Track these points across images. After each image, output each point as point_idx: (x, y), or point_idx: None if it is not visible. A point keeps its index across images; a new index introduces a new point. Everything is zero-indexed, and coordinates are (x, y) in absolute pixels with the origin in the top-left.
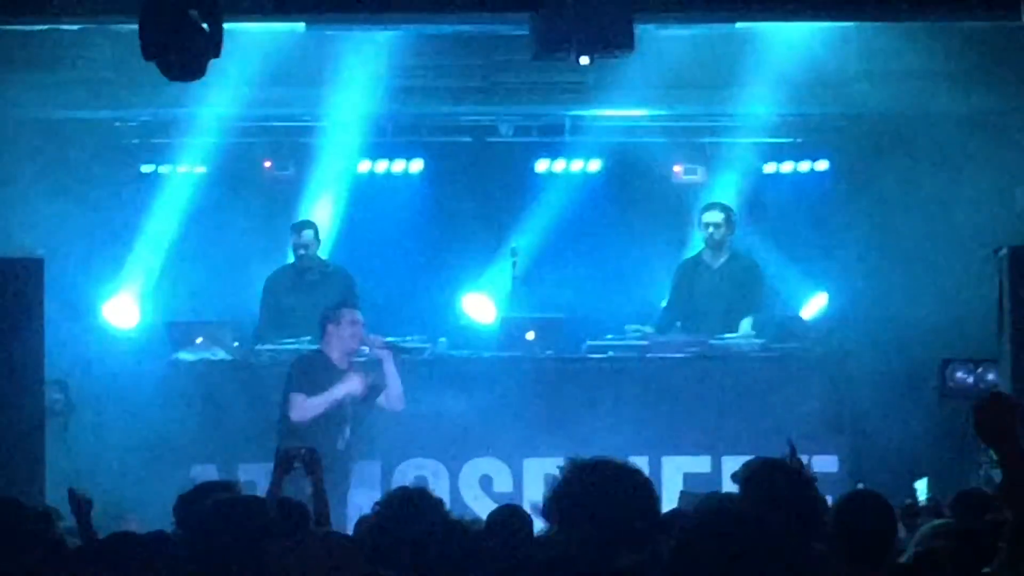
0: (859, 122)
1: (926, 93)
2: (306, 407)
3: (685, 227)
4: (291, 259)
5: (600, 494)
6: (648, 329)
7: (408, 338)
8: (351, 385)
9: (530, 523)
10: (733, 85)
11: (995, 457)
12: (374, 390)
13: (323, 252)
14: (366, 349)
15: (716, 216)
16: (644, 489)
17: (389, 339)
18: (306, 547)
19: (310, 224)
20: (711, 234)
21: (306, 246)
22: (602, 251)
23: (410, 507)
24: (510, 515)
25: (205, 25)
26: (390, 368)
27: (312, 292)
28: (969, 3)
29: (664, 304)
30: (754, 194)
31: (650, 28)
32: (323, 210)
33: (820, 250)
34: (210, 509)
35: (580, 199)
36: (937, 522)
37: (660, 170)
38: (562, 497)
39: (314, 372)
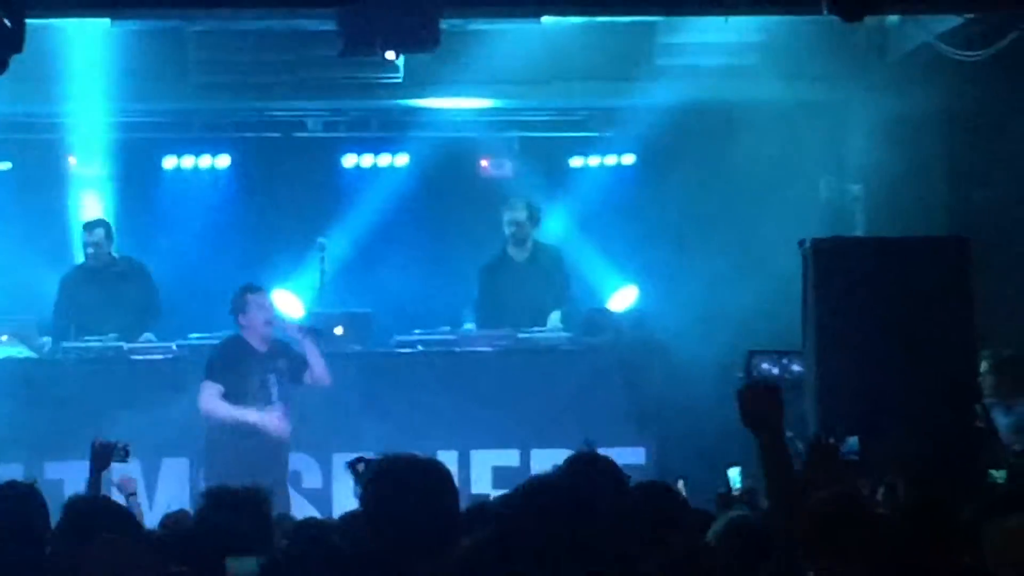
0: (664, 115)
1: (733, 85)
2: (216, 406)
3: (493, 221)
4: (86, 259)
5: (400, 492)
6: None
7: (214, 334)
8: (268, 422)
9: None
10: (540, 79)
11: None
12: (297, 370)
13: (127, 250)
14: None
15: (518, 213)
16: (445, 486)
17: (300, 322)
18: (95, 548)
19: (101, 223)
20: (514, 232)
21: (96, 244)
22: (411, 246)
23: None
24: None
25: (7, 20)
26: (310, 347)
27: (107, 289)
28: None
29: (473, 303)
30: (562, 188)
31: (457, 23)
32: (129, 206)
33: (629, 243)
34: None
35: (388, 194)
36: (733, 514)
37: (468, 164)
38: (365, 495)
39: (233, 357)
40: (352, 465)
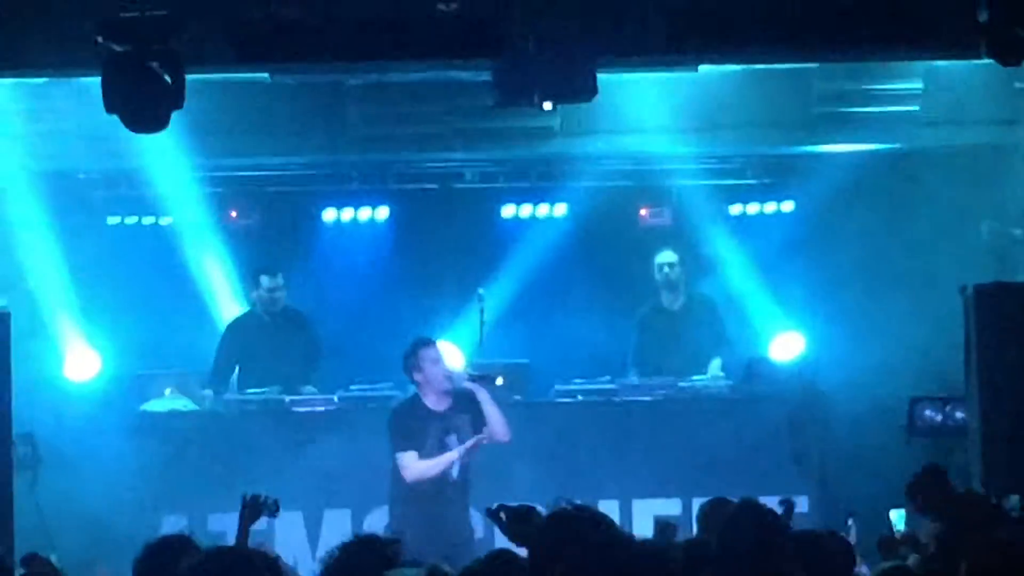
0: (824, 162)
1: (893, 130)
2: (419, 469)
3: (652, 270)
4: (253, 307)
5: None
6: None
7: (376, 386)
8: (457, 455)
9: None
10: (698, 127)
11: None
12: (477, 427)
13: (289, 300)
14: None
15: (669, 256)
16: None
17: (471, 371)
18: None
19: (278, 270)
20: (666, 275)
21: (275, 289)
22: (570, 295)
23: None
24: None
25: (167, 77)
26: (485, 399)
27: (275, 338)
28: (931, 43)
29: (632, 352)
30: (721, 236)
31: (613, 73)
32: (288, 258)
33: (788, 291)
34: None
35: (547, 244)
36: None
37: (626, 213)
38: (534, 546)
39: (413, 423)
40: (494, 513)
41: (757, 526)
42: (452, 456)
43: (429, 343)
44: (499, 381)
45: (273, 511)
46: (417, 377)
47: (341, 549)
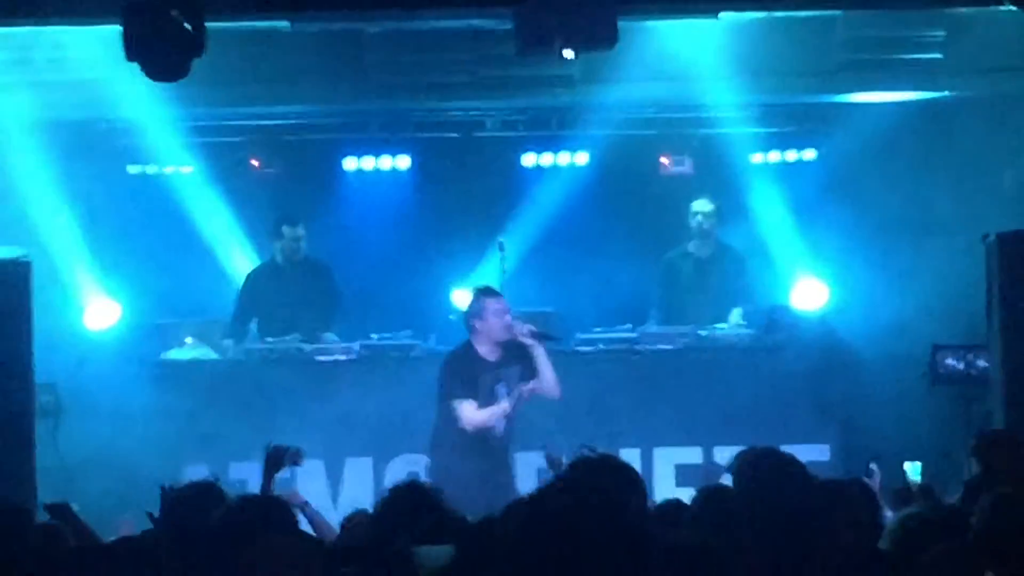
0: (846, 110)
1: (916, 79)
2: (479, 418)
3: (672, 218)
4: (274, 256)
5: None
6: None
7: (397, 334)
8: (510, 405)
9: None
10: (720, 75)
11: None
12: (527, 379)
13: (310, 250)
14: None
15: (705, 205)
16: (636, 487)
17: (531, 326)
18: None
19: (299, 219)
20: (700, 223)
21: (297, 239)
22: (591, 244)
23: (409, 502)
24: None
25: (188, 25)
26: (540, 356)
27: (294, 287)
28: None
29: (655, 297)
30: (743, 184)
31: (634, 20)
32: (309, 208)
33: (810, 240)
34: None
35: (568, 192)
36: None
37: (647, 161)
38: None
39: (468, 372)
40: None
41: (781, 476)
42: (506, 407)
43: (495, 293)
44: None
45: (297, 460)
46: (478, 325)
47: (392, 491)
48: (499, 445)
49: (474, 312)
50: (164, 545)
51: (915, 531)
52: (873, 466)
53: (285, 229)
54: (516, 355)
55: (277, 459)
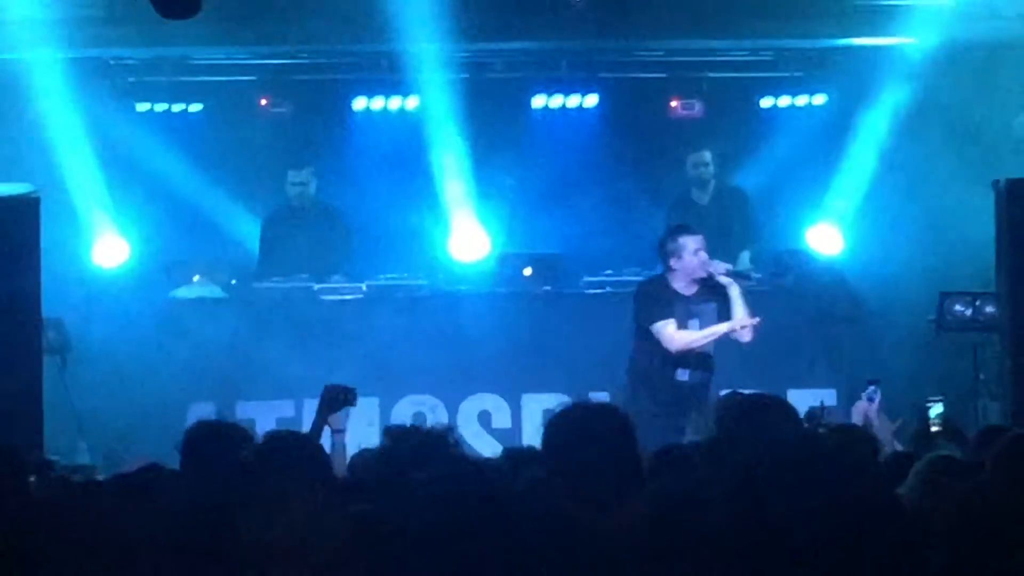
0: (858, 55)
1: (927, 24)
2: (684, 338)
3: (682, 162)
4: (287, 197)
5: (586, 440)
6: None
7: (404, 275)
8: (738, 324)
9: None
10: (729, 18)
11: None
12: (723, 317)
13: (317, 190)
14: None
15: (703, 157)
16: (628, 435)
17: (728, 265)
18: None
19: (308, 163)
20: (699, 173)
21: (303, 184)
22: (600, 187)
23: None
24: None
25: None
26: (736, 295)
27: (305, 231)
28: None
29: None
30: (752, 129)
31: None
32: (318, 148)
33: (820, 185)
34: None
35: (577, 134)
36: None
37: (657, 105)
38: (549, 443)
39: (664, 299)
40: None
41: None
42: (719, 329)
43: (692, 231)
44: (528, 272)
45: (351, 400)
46: (674, 264)
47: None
48: (685, 390)
49: (670, 251)
50: (186, 480)
51: (944, 472)
52: (872, 388)
53: (289, 174)
54: (712, 293)
55: (333, 398)
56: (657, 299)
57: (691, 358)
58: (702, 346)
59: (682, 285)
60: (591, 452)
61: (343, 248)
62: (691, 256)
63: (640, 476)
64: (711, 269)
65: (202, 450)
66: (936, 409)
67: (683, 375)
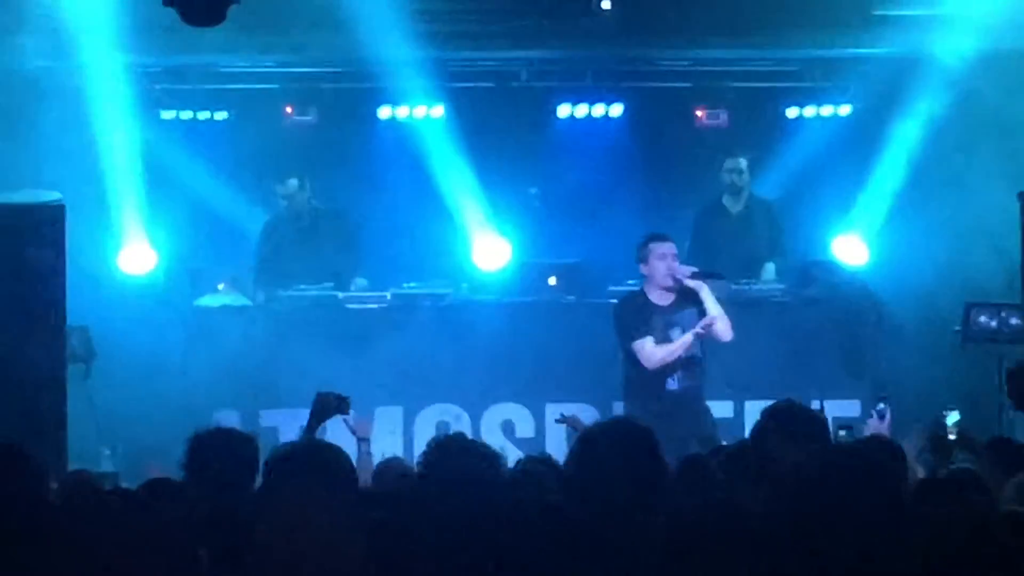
0: (883, 65)
1: (951, 35)
2: (659, 355)
3: (706, 171)
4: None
5: (614, 458)
6: None
7: (428, 284)
8: (700, 326)
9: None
10: (756, 28)
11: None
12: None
13: (340, 198)
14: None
15: (738, 163)
16: (653, 451)
17: (692, 268)
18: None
19: (293, 173)
20: (733, 180)
21: (289, 197)
22: (624, 196)
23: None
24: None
25: None
26: (708, 297)
27: (306, 237)
28: None
29: (687, 250)
30: (778, 138)
31: None
32: (343, 156)
33: (845, 195)
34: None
35: (602, 144)
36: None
37: (682, 114)
38: (571, 457)
39: (639, 315)
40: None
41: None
42: (687, 338)
43: (662, 238)
44: (552, 281)
45: (344, 408)
46: (644, 270)
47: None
48: (674, 398)
49: (640, 257)
50: (191, 490)
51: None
52: (882, 405)
53: (276, 187)
54: (689, 300)
55: (325, 406)
56: (635, 315)
57: (677, 366)
58: (687, 353)
59: (656, 295)
60: (618, 465)
61: (352, 249)
62: (657, 261)
63: (665, 487)
64: (677, 274)
65: (206, 459)
66: (952, 418)
67: (672, 384)
